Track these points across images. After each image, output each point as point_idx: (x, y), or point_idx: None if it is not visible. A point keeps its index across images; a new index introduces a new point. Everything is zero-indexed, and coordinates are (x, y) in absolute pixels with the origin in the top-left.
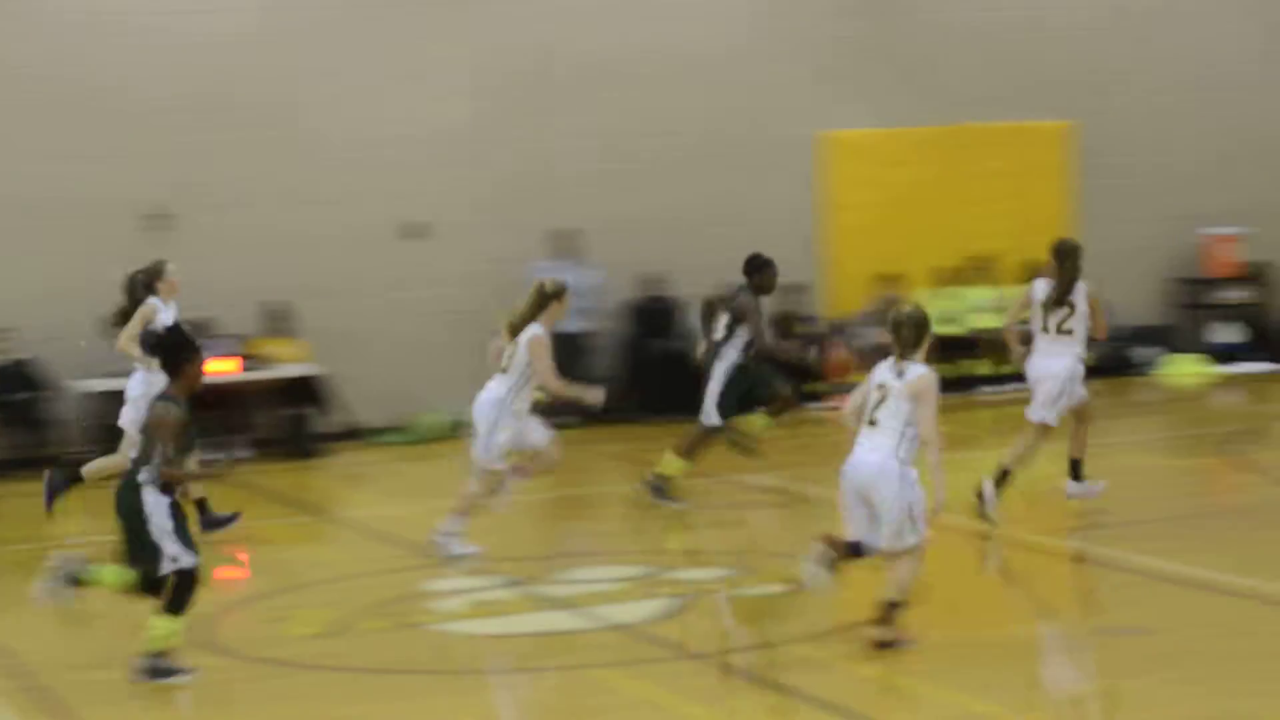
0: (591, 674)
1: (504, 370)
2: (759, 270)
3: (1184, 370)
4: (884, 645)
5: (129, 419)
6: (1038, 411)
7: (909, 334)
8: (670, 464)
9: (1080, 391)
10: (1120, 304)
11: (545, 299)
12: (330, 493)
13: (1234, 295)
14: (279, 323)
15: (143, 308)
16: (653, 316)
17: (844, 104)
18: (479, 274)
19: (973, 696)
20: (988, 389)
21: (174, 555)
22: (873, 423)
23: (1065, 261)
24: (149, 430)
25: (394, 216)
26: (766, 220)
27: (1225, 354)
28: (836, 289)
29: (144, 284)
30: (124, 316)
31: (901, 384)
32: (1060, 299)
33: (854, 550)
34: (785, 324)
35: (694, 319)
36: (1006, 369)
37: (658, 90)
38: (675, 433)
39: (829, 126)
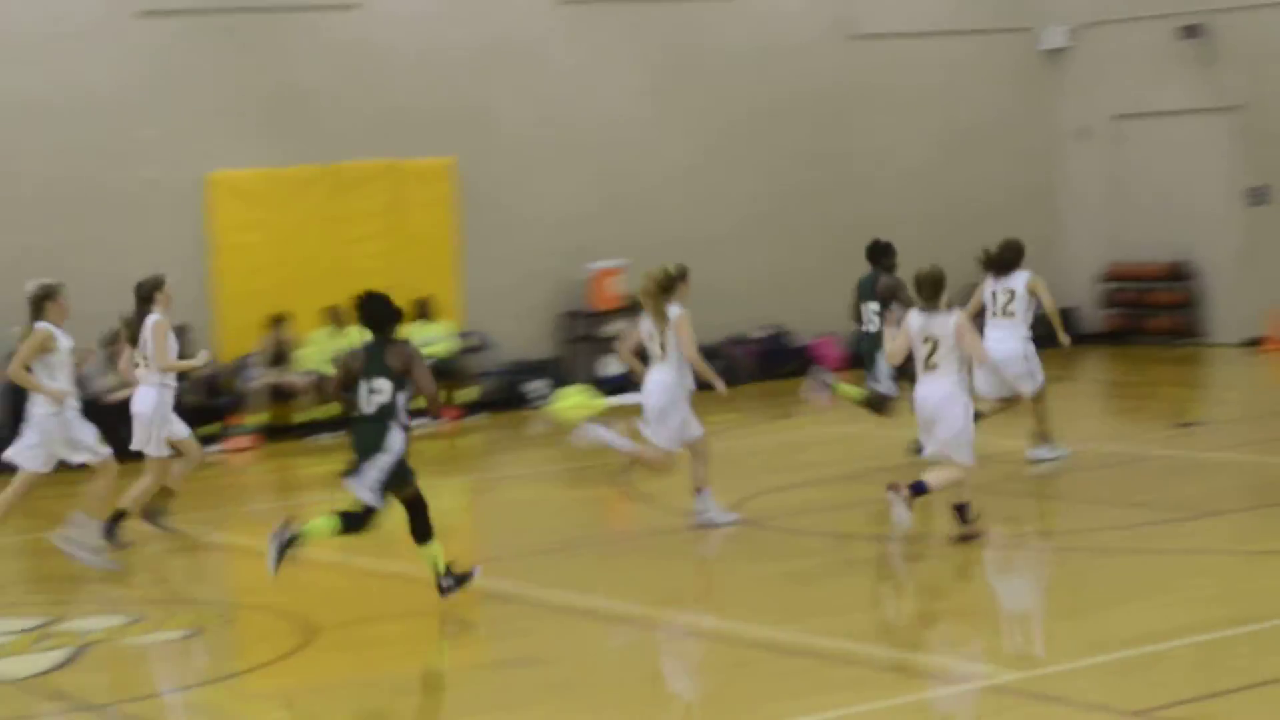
0: None
1: (661, 355)
2: (886, 253)
3: (573, 403)
4: (966, 538)
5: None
6: (1026, 385)
7: (930, 289)
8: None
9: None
10: (509, 338)
11: (673, 281)
12: None
13: (619, 328)
14: None
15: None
16: None
17: (230, 145)
18: None
19: None
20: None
21: (373, 489)
22: (932, 367)
23: (1010, 255)
24: (404, 373)
25: None
26: (154, 264)
27: (614, 386)
28: (227, 331)
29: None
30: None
31: (949, 329)
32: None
33: (918, 489)
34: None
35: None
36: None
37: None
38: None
39: (216, 168)
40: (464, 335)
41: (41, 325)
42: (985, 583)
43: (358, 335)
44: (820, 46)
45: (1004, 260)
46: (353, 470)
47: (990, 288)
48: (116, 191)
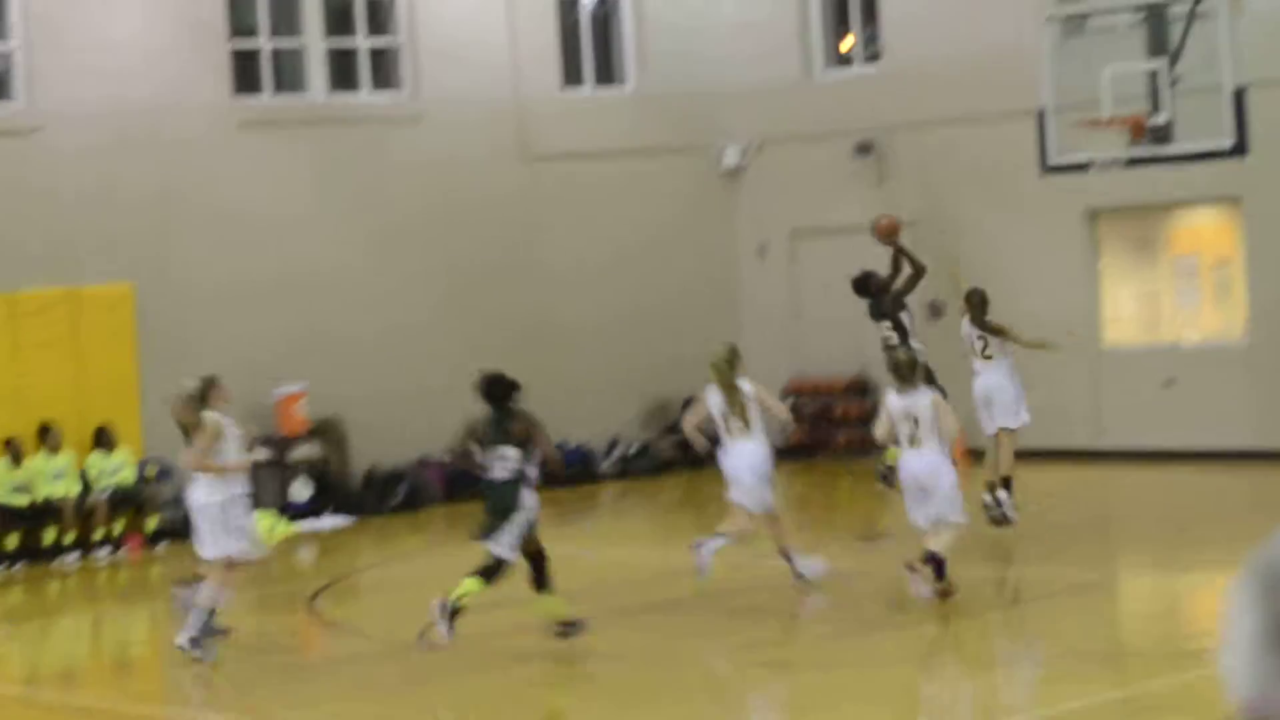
0: None
1: (745, 429)
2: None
3: (261, 527)
4: (944, 596)
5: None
6: (1010, 420)
7: (908, 371)
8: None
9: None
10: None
11: (737, 357)
12: None
13: (303, 452)
14: None
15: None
16: None
17: None
18: None
19: None
20: (68, 558)
21: (511, 545)
22: (915, 441)
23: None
24: (529, 437)
25: None
26: None
27: (300, 510)
28: None
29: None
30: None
31: (927, 407)
32: (984, 330)
33: (935, 562)
34: None
35: None
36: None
37: None
38: None
39: None
40: (144, 463)
41: (211, 414)
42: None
43: (39, 466)
44: (500, 164)
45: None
46: (489, 531)
47: (966, 331)
48: None
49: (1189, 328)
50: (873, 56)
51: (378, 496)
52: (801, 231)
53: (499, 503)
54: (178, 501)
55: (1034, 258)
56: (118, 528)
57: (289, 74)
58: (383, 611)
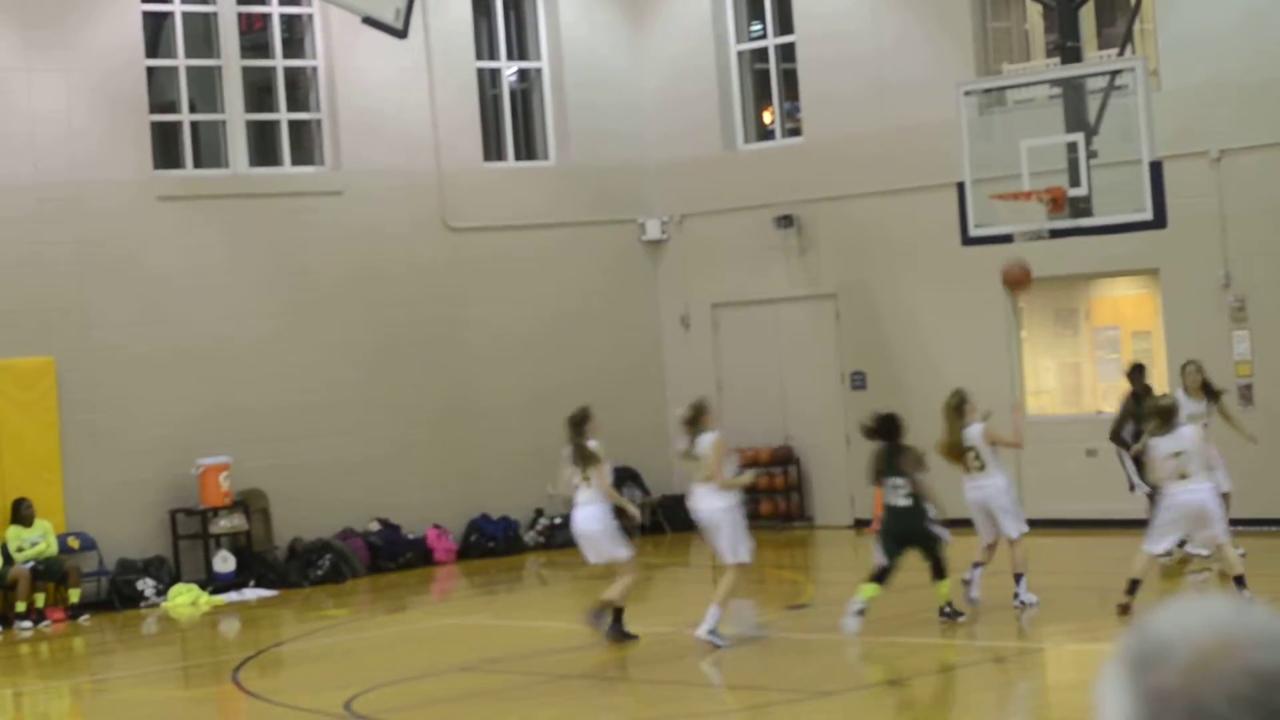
0: None
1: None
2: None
3: (184, 600)
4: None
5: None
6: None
7: (1170, 414)
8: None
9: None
10: (115, 537)
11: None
12: None
13: (226, 524)
14: None
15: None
16: None
17: None
18: None
19: None
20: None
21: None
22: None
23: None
24: (917, 470)
25: None
26: None
27: (224, 583)
28: None
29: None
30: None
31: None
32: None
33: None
34: None
35: None
36: None
37: None
38: None
39: None
40: (65, 536)
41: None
42: None
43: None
44: (422, 236)
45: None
46: (887, 549)
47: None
48: None
49: (1110, 398)
50: (793, 130)
51: (301, 568)
52: (724, 304)
53: (904, 525)
54: (100, 573)
55: (956, 329)
56: (39, 600)
57: (210, 148)
58: (306, 682)
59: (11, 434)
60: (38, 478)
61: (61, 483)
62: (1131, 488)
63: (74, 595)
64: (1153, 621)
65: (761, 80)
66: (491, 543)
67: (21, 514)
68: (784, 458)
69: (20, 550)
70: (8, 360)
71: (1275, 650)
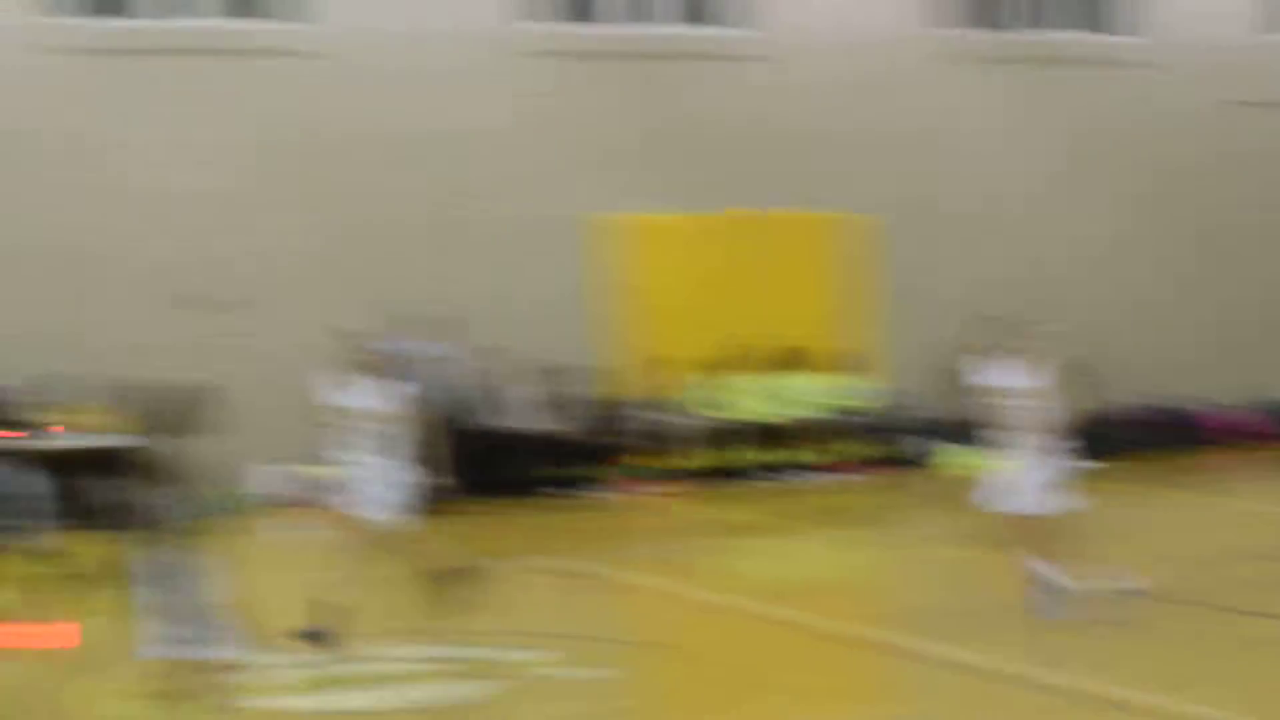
0: None
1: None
2: None
3: (962, 462)
4: None
5: None
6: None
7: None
8: None
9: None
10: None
11: None
12: None
13: None
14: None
15: None
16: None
17: (635, 189)
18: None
19: None
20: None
21: None
22: None
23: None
24: None
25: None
26: (542, 302)
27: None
28: (618, 371)
29: None
30: None
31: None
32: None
33: None
34: (557, 404)
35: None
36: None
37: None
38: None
39: (624, 210)
40: (885, 393)
41: None
42: None
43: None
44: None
45: None
46: None
47: None
48: (498, 228)
49: None
50: None
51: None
52: None
53: None
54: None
55: None
56: (851, 451)
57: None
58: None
59: (838, 288)
60: (860, 333)
61: (888, 340)
62: None
63: (887, 451)
64: None
65: None
66: None
67: (847, 365)
68: None
69: (839, 400)
70: (835, 214)
71: None
